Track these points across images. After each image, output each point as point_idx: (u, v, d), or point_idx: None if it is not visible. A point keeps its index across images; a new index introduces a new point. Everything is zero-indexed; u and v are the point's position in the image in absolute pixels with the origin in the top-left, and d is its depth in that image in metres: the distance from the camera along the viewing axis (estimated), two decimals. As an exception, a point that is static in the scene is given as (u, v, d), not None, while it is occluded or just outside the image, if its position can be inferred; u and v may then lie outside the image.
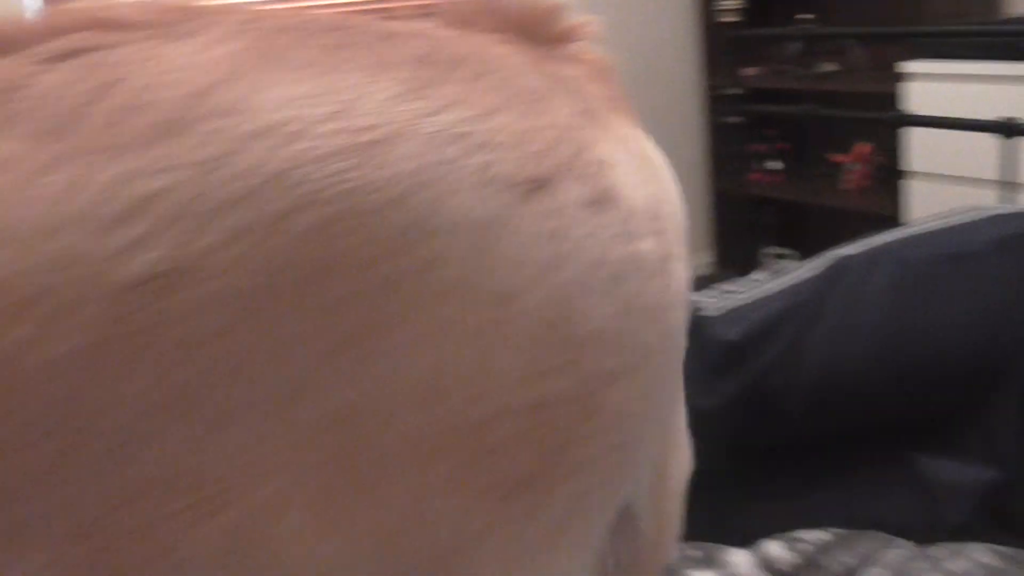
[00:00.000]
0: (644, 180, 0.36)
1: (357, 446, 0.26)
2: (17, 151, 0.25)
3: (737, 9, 2.06)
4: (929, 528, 1.10)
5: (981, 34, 2.43)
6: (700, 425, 1.07)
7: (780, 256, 3.66)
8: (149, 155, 0.24)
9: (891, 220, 2.90)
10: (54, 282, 0.23)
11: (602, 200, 0.32)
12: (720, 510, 1.14)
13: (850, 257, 1.20)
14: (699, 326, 1.15)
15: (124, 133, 0.25)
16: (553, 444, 0.29)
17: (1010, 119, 1.61)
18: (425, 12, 0.38)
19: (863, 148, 3.32)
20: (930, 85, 2.60)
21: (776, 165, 3.59)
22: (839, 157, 3.38)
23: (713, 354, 1.13)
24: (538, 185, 0.29)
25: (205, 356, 0.24)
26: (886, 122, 1.85)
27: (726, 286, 1.56)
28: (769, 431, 1.16)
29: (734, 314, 1.18)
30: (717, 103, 3.61)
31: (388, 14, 2.17)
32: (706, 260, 3.79)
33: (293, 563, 0.26)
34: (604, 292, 0.30)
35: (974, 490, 1.08)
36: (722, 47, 2.12)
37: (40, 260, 0.23)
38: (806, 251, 2.99)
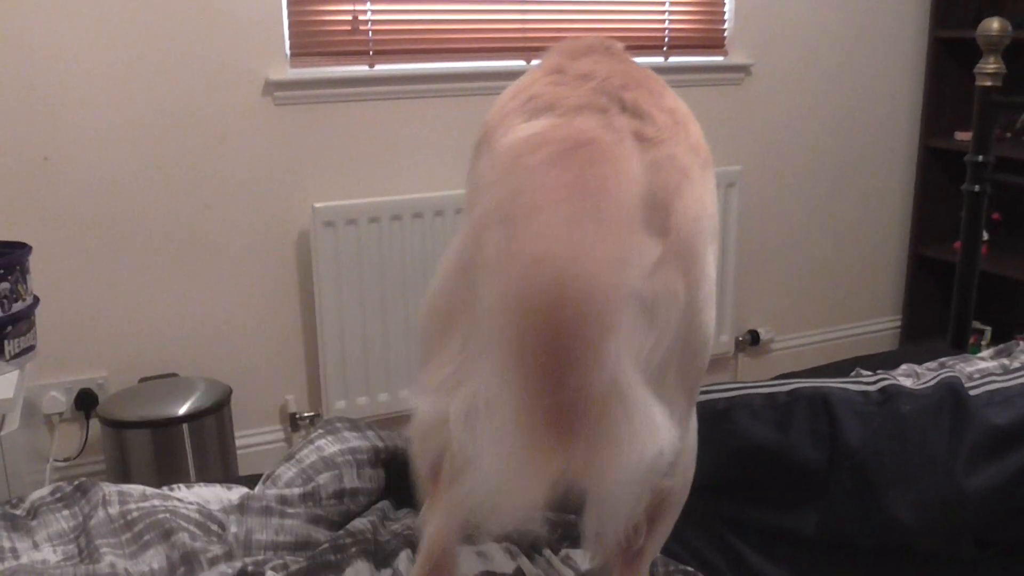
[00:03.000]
0: None
1: None
2: None
3: (996, 73, 1.98)
4: None
5: None
6: (954, 504, 1.04)
7: (973, 331, 3.51)
8: None
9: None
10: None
11: None
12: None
13: None
14: (961, 405, 1.12)
15: None
16: None
17: None
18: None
19: (1086, 229, 3.16)
20: None
21: (983, 236, 3.46)
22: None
23: (979, 435, 1.10)
24: None
25: None
26: None
27: (953, 361, 1.51)
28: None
29: (1000, 396, 1.14)
30: (944, 166, 3.51)
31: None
32: (893, 323, 3.68)
33: None
34: None
35: None
36: (978, 113, 2.05)
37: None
38: (1000, 327, 2.85)
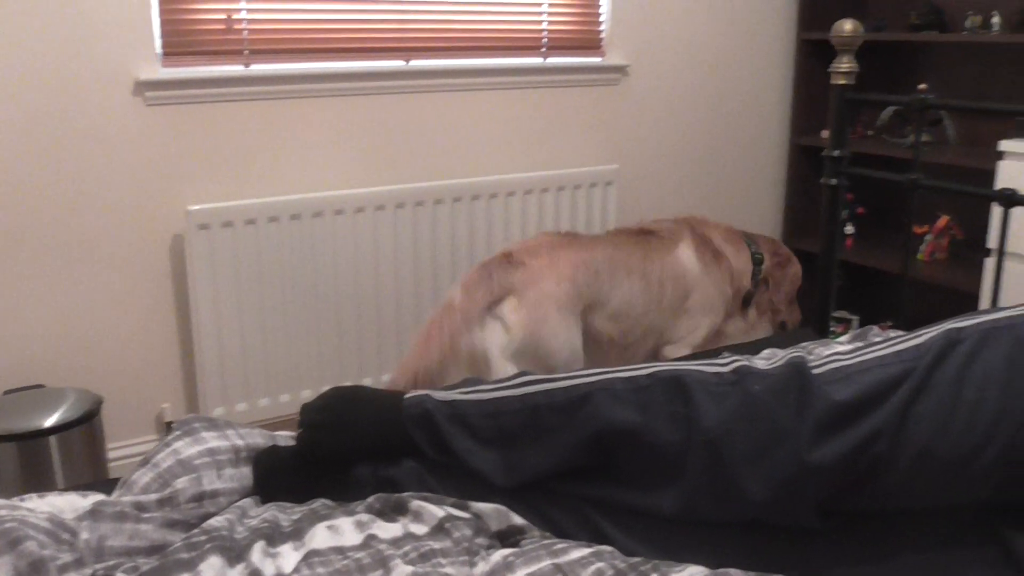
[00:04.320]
0: None
1: None
2: None
3: (850, 72, 2.08)
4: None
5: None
6: (800, 479, 1.09)
7: (839, 320, 3.66)
8: None
9: (965, 296, 2.91)
10: None
11: None
12: (805, 569, 1.15)
13: (961, 329, 1.21)
14: (806, 382, 1.17)
15: None
16: None
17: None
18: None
19: (942, 221, 3.33)
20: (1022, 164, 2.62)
21: (849, 229, 3.63)
22: (920, 228, 3.39)
23: (821, 411, 1.15)
24: None
25: None
26: (990, 198, 1.86)
27: (812, 346, 1.59)
28: (868, 496, 1.15)
29: (841, 373, 1.19)
30: (813, 163, 3.65)
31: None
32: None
33: None
34: None
35: None
36: (834, 110, 2.14)
37: None
38: (868, 316, 3.04)
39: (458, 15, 2.91)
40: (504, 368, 1.99)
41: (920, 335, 1.19)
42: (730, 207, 3.62)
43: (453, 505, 1.20)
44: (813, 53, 3.61)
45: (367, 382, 2.77)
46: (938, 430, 1.09)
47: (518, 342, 2.02)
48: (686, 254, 2.30)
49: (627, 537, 1.17)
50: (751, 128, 3.62)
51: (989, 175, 2.72)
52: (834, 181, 2.13)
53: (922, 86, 1.95)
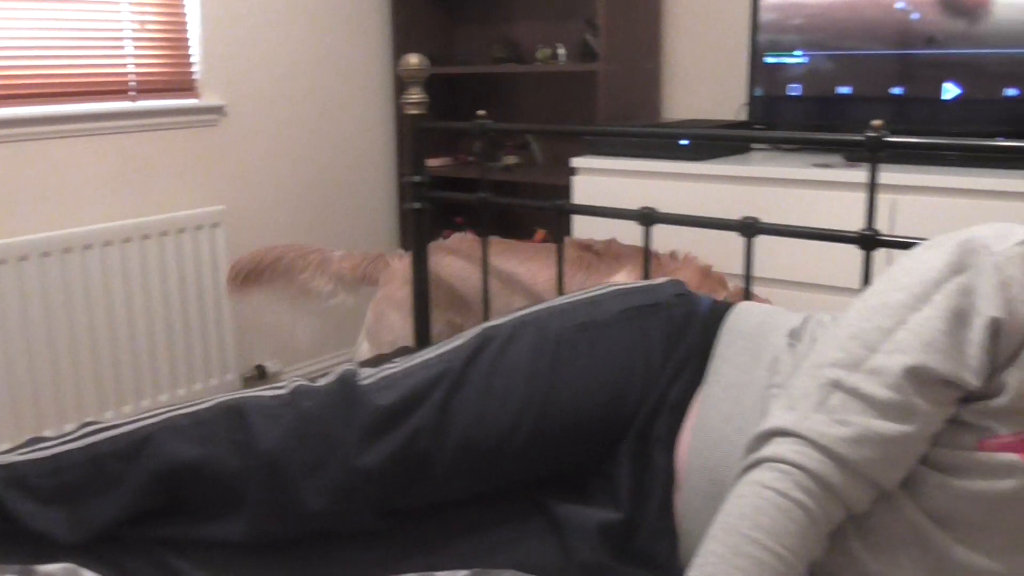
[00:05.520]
0: None
1: None
2: None
3: (420, 103, 2.22)
4: (561, 566, 1.24)
5: (630, 135, 2.78)
6: (355, 485, 1.16)
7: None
8: None
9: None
10: None
11: None
12: (371, 569, 1.22)
13: (497, 327, 1.34)
14: (353, 394, 1.24)
15: None
16: None
17: (648, 209, 1.86)
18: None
19: (540, 235, 3.65)
20: (593, 178, 2.93)
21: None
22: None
23: (366, 418, 1.23)
24: None
25: None
26: (548, 210, 2.07)
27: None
28: (419, 491, 1.21)
29: (387, 381, 1.27)
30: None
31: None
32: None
33: None
34: None
35: (599, 530, 1.22)
36: (408, 139, 2.28)
37: None
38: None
39: (36, 60, 2.74)
40: (360, 343, 2.36)
41: (462, 336, 1.31)
42: (348, 235, 3.70)
43: (18, 572, 1.13)
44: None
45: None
46: (475, 420, 1.20)
47: (368, 325, 2.35)
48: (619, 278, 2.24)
49: (203, 571, 1.17)
50: (359, 158, 3.73)
51: (567, 190, 3.02)
52: (418, 205, 2.27)
53: (480, 112, 2.13)
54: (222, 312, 3.11)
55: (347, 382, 1.20)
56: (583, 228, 2.88)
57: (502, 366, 1.24)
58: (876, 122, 1.56)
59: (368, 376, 1.23)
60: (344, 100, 3.63)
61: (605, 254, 2.24)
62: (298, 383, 1.23)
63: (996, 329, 0.98)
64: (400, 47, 3.74)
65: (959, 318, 0.99)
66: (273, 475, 1.15)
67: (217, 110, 3.18)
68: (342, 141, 3.65)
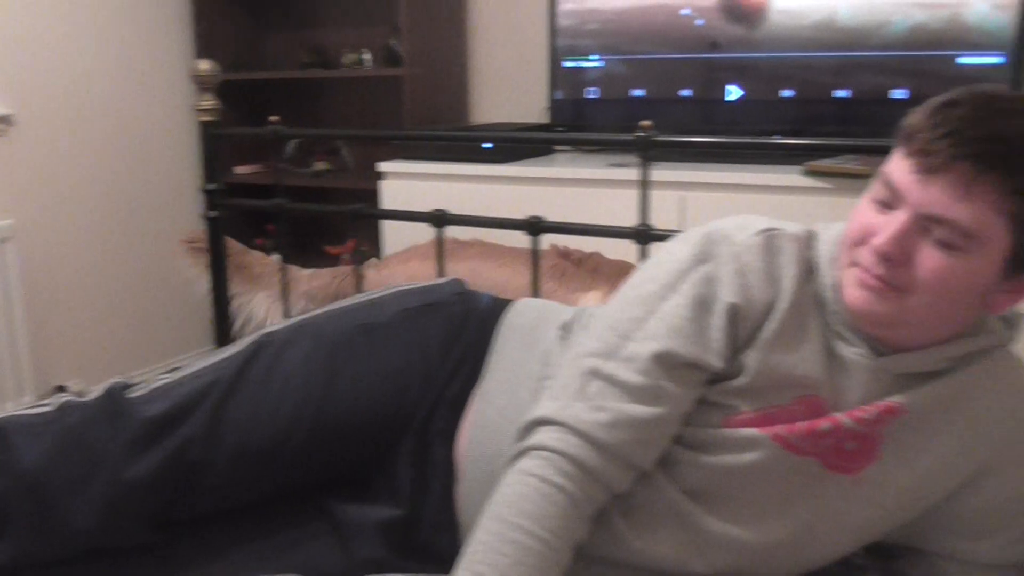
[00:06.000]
0: None
1: None
2: None
3: (213, 109, 2.19)
4: (344, 566, 1.24)
5: (434, 139, 2.82)
6: (124, 499, 1.13)
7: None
8: None
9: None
10: None
11: None
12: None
13: (273, 333, 1.34)
14: (119, 406, 1.17)
15: None
16: None
17: (440, 211, 1.89)
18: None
19: (351, 243, 3.64)
20: (401, 182, 2.95)
21: (276, 257, 3.79)
22: (333, 249, 3.66)
23: (134, 430, 1.19)
24: None
25: None
26: (344, 215, 2.07)
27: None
28: (195, 501, 1.19)
29: (157, 393, 1.24)
30: (234, 194, 3.73)
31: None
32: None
33: None
34: None
35: (378, 527, 1.21)
36: (202, 146, 2.24)
37: None
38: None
39: None
40: None
41: (238, 344, 1.30)
42: (151, 249, 3.58)
43: None
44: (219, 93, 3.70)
45: None
46: (248, 426, 1.19)
47: None
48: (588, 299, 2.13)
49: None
50: (162, 167, 3.61)
51: (375, 194, 3.03)
52: (214, 214, 2.22)
53: (274, 118, 2.11)
54: (15, 329, 2.94)
55: (114, 395, 1.18)
56: (391, 234, 2.90)
57: (277, 371, 1.24)
58: (645, 123, 1.65)
59: (138, 388, 1.21)
60: (144, 108, 3.51)
61: (582, 266, 2.20)
62: (66, 399, 1.20)
63: (734, 314, 1.06)
64: (202, 54, 3.64)
65: (702, 305, 1.07)
66: (36, 494, 1.11)
67: (4, 119, 3.01)
68: (143, 150, 3.52)
